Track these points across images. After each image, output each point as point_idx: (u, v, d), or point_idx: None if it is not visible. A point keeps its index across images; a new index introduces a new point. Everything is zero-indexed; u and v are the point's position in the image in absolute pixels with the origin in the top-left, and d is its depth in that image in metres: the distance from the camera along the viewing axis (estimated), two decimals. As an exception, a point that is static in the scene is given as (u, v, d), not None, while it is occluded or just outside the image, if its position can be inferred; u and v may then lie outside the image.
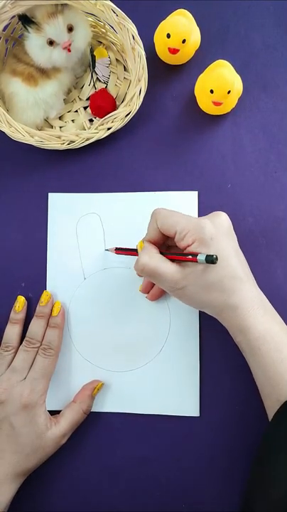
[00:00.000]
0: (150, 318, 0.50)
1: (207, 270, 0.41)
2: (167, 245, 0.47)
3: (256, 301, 0.42)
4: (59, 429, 0.47)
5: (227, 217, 0.44)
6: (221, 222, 0.43)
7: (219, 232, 0.42)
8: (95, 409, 0.50)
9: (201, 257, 0.40)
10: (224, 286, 0.41)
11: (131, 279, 0.50)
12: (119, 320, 0.50)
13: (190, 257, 0.41)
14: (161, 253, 0.44)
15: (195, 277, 0.41)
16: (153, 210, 0.45)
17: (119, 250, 0.49)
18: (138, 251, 0.44)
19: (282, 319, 0.43)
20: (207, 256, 0.39)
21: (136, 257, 0.45)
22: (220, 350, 0.49)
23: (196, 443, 0.49)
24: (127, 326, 0.50)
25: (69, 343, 0.51)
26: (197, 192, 0.51)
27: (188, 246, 0.42)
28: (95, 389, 0.49)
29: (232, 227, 0.44)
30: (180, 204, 0.51)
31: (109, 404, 0.50)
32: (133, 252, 0.47)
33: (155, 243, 0.45)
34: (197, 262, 0.40)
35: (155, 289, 0.49)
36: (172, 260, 0.43)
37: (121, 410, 0.50)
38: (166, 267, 0.42)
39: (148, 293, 0.49)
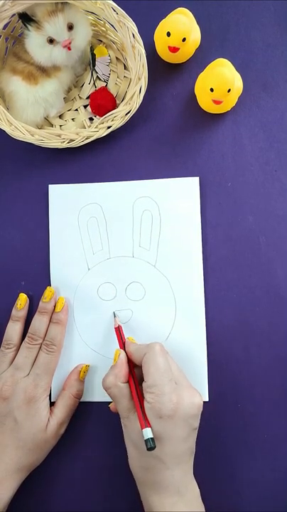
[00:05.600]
0: (156, 305, 0.50)
1: (142, 440, 0.40)
2: None
3: (171, 489, 0.41)
4: (55, 420, 0.47)
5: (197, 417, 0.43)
6: (186, 426, 0.41)
7: (169, 430, 0.41)
8: (100, 399, 0.50)
9: (146, 434, 0.39)
10: (148, 462, 0.42)
11: (135, 267, 0.51)
12: (125, 309, 0.51)
13: (144, 423, 0.40)
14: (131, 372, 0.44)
15: (134, 430, 0.42)
16: (154, 343, 0.44)
17: (118, 330, 0.49)
18: (114, 359, 0.45)
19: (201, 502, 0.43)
20: (151, 440, 0.39)
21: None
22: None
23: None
24: (133, 314, 0.50)
25: (75, 334, 0.51)
26: (198, 178, 0.51)
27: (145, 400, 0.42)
28: (81, 372, 0.49)
29: (193, 434, 0.43)
30: (182, 190, 0.51)
31: None
32: (120, 341, 0.48)
33: (135, 359, 0.45)
34: (142, 429, 0.40)
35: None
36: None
37: None
38: (122, 401, 0.43)
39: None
